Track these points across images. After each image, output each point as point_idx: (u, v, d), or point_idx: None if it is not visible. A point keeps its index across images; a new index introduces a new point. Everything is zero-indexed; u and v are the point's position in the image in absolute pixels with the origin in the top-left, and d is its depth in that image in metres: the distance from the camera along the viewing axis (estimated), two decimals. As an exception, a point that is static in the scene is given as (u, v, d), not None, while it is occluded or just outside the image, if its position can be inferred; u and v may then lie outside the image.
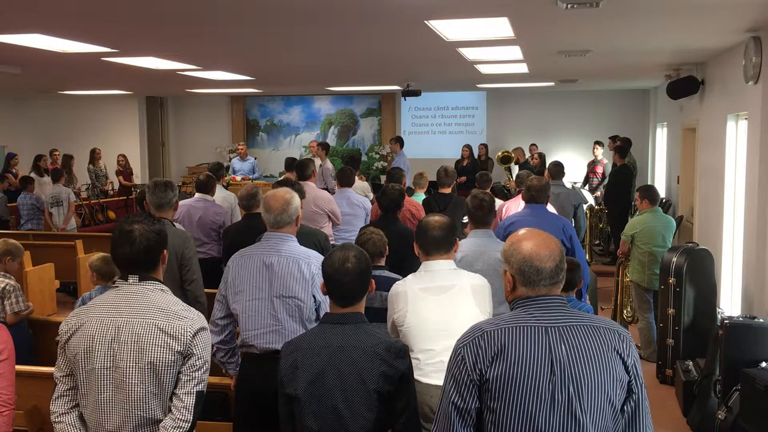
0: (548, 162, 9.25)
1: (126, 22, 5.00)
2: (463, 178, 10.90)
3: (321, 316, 3.13)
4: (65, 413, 2.35)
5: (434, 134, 14.63)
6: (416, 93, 11.28)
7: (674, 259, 5.48)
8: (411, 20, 4.90)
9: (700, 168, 7.56)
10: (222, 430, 3.49)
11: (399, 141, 11.09)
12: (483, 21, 4.97)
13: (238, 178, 11.67)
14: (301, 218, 3.48)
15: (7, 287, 4.54)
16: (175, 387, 2.32)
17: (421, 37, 5.62)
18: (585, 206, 8.45)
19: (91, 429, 2.32)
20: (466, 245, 3.88)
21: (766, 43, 5.14)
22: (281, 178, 8.11)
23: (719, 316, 5.19)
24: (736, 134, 6.25)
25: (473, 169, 10.99)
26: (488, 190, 6.46)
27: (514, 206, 5.97)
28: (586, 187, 11.06)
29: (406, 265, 3.79)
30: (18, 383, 2.86)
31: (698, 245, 5.72)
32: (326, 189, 7.91)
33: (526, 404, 1.87)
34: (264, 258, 3.25)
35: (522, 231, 2.09)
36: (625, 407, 1.95)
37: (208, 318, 2.57)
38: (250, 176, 11.84)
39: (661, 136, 11.36)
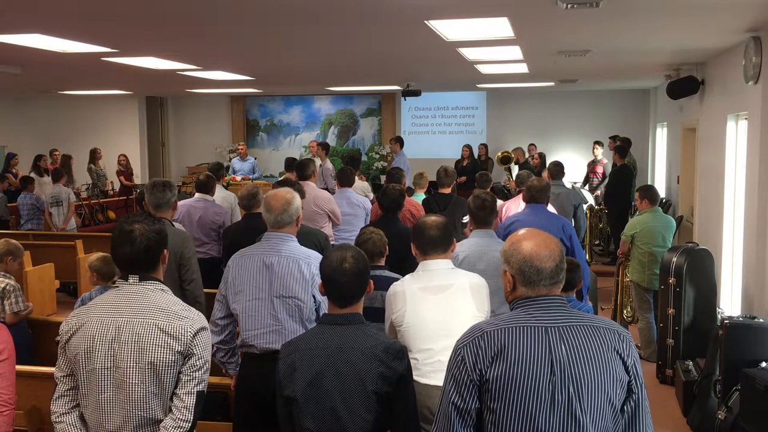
0: (548, 162, 9.26)
1: (126, 22, 5.00)
2: (463, 178, 10.90)
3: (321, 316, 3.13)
4: (66, 413, 2.35)
5: (434, 134, 14.63)
6: (416, 93, 11.28)
7: (674, 259, 5.48)
8: (411, 20, 4.90)
9: (700, 168, 7.56)
10: (222, 430, 3.49)
11: (399, 141, 11.09)
12: (483, 21, 4.97)
13: (238, 178, 11.67)
14: (301, 218, 3.48)
15: (7, 287, 4.54)
16: (176, 387, 2.32)
17: (421, 37, 5.62)
18: (585, 206, 8.45)
19: (92, 429, 2.32)
20: (468, 245, 3.89)
21: (766, 43, 5.14)
22: (281, 178, 8.11)
23: (719, 316, 5.19)
24: (736, 134, 6.25)
25: (473, 169, 10.99)
26: (488, 190, 6.46)
27: (514, 206, 5.97)
28: (586, 187, 11.06)
29: (407, 265, 3.79)
30: (18, 383, 2.86)
31: (698, 245, 5.72)
32: (326, 189, 7.91)
33: (526, 404, 1.87)
34: (264, 258, 3.25)
35: (522, 231, 2.09)
36: (625, 407, 1.95)
37: (207, 318, 2.57)
38: (250, 176, 11.84)
39: (661, 136, 11.36)
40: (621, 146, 9.79)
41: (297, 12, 4.63)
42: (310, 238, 4.26)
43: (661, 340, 5.61)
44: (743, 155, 5.91)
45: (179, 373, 2.32)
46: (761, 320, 4.43)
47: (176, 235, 4.00)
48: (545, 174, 7.55)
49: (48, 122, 14.46)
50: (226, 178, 9.03)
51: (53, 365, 2.43)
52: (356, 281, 2.43)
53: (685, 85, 7.57)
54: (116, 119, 14.48)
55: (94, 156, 12.22)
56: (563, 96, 13.56)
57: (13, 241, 4.80)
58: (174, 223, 4.39)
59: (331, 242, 5.34)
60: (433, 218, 3.24)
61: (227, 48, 6.49)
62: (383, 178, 11.36)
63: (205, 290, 4.22)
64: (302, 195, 4.81)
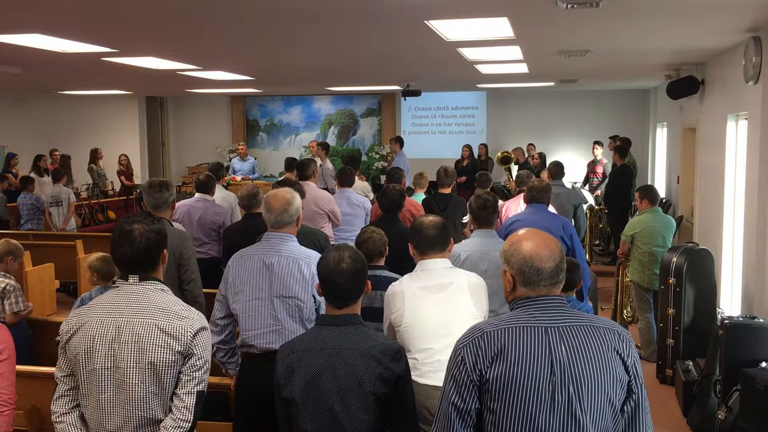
0: (548, 162, 9.26)
1: (126, 22, 5.00)
2: (463, 178, 10.91)
3: (321, 316, 3.13)
4: (66, 413, 2.35)
5: (434, 134, 14.63)
6: (416, 93, 11.28)
7: (674, 259, 5.48)
8: (411, 20, 4.90)
9: (700, 168, 7.56)
10: (222, 430, 3.49)
11: (399, 141, 11.09)
12: (483, 21, 4.97)
13: (238, 178, 11.67)
14: (301, 218, 3.48)
15: (8, 287, 4.54)
16: (176, 387, 2.32)
17: (421, 37, 5.62)
18: (585, 206, 8.45)
19: (92, 429, 2.32)
20: (469, 245, 3.90)
21: (766, 43, 5.14)
22: (281, 178, 8.11)
23: (719, 316, 5.19)
24: (736, 134, 6.25)
25: (473, 169, 10.99)
26: (488, 190, 6.47)
27: (513, 206, 5.97)
28: (586, 187, 11.06)
29: (406, 265, 3.79)
30: (18, 383, 2.86)
31: (698, 245, 5.72)
32: (326, 189, 7.91)
33: (526, 405, 1.87)
34: (264, 258, 3.25)
35: (522, 231, 2.09)
36: (625, 407, 1.95)
37: (207, 318, 2.57)
38: (250, 176, 11.84)
39: (661, 136, 11.36)
40: (621, 146, 9.79)
41: (297, 12, 4.63)
42: (310, 238, 4.26)
43: (661, 340, 5.61)
44: (743, 155, 5.91)
45: (179, 373, 2.32)
46: (761, 320, 4.43)
47: (175, 235, 4.00)
48: (545, 174, 7.55)
49: (48, 122, 14.46)
50: (226, 178, 9.02)
51: (53, 365, 2.43)
52: (354, 282, 2.42)
53: (685, 85, 7.57)
54: (116, 119, 14.48)
55: (95, 156, 12.22)
56: (563, 96, 13.56)
57: (13, 241, 4.80)
58: (173, 222, 4.39)
59: (331, 242, 5.34)
60: (430, 218, 3.26)
61: (227, 48, 6.49)
62: (383, 178, 11.37)
63: (205, 290, 4.21)
64: (302, 195, 4.81)
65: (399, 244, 4.20)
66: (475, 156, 12.42)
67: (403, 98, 12.01)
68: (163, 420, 2.31)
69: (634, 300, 6.36)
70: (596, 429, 1.88)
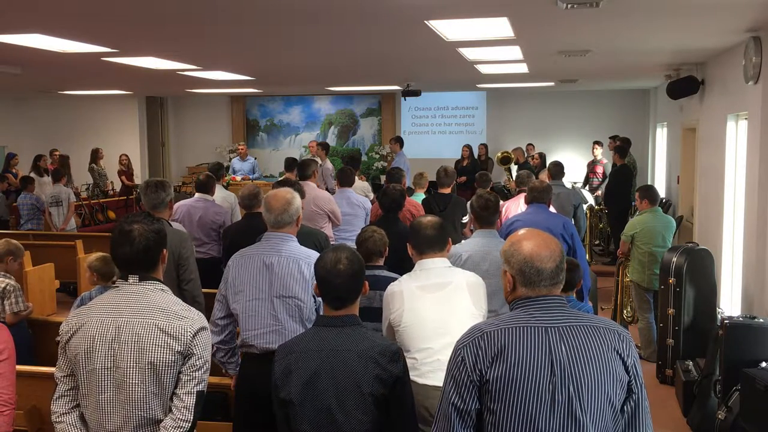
0: (548, 162, 9.26)
1: (126, 22, 5.00)
2: (463, 178, 10.91)
3: (321, 316, 3.12)
4: (66, 413, 2.35)
5: (434, 134, 14.63)
6: (416, 93, 11.28)
7: (674, 259, 5.48)
8: (411, 20, 4.90)
9: (700, 168, 7.56)
10: (222, 430, 3.49)
11: (399, 141, 11.09)
12: (483, 21, 4.97)
13: (238, 178, 11.67)
14: (301, 218, 3.48)
15: (8, 287, 4.54)
16: (176, 387, 2.32)
17: (421, 37, 5.62)
18: (585, 206, 8.45)
19: (92, 429, 2.32)
20: (471, 245, 3.90)
21: (766, 43, 5.14)
22: (281, 178, 8.11)
23: (719, 316, 5.19)
24: (736, 134, 6.25)
25: (473, 169, 10.99)
26: (488, 190, 6.46)
27: (513, 206, 5.98)
28: (586, 187, 11.06)
29: (406, 265, 3.79)
30: (18, 383, 2.86)
31: (698, 245, 5.72)
32: (326, 189, 7.90)
33: (526, 405, 1.87)
34: (264, 258, 3.25)
35: (522, 231, 2.08)
36: (625, 407, 1.95)
37: (207, 318, 2.57)
38: (250, 176, 11.84)
39: (661, 136, 11.35)
40: (621, 146, 9.79)
41: (297, 12, 4.63)
42: (310, 238, 4.26)
43: (661, 340, 5.61)
44: (743, 155, 5.91)
45: (179, 373, 2.31)
46: (761, 320, 4.43)
47: (174, 235, 3.99)
48: (545, 174, 7.55)
49: (48, 122, 14.46)
50: (226, 178, 9.02)
51: (53, 365, 2.43)
52: (351, 282, 2.41)
53: (685, 85, 7.57)
54: (116, 119, 14.48)
55: (96, 156, 12.22)
56: (563, 96, 13.56)
57: (14, 241, 4.80)
58: (172, 222, 4.38)
59: (331, 242, 5.34)
60: (428, 218, 3.28)
61: (227, 48, 6.49)
62: (383, 178, 11.36)
63: (205, 290, 4.21)
64: (302, 195, 4.81)
65: (399, 244, 4.20)
66: (475, 156, 12.42)
67: (403, 98, 12.01)
68: (163, 420, 2.31)
69: (634, 300, 6.36)
70: (596, 429, 1.88)
